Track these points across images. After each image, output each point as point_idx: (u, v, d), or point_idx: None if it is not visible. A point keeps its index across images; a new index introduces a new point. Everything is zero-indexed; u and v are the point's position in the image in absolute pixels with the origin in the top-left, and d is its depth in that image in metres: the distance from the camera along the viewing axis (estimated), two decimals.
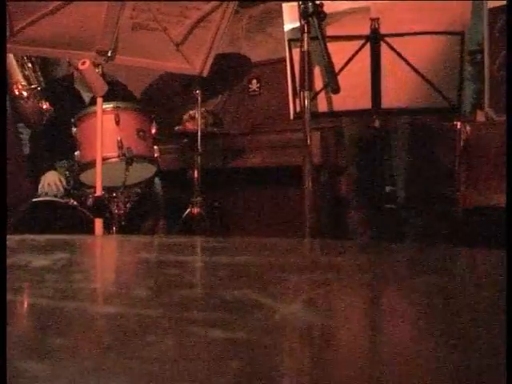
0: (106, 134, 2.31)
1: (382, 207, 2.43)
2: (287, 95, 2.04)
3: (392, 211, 2.43)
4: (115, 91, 2.88)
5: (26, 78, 2.52)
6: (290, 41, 1.99)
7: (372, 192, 2.41)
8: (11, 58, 2.46)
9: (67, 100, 3.05)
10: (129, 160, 2.50)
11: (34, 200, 2.62)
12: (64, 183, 2.86)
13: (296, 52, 1.95)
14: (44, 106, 2.60)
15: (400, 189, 2.38)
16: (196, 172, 3.15)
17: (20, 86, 2.48)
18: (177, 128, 3.43)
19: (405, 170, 2.35)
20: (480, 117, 3.00)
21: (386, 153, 2.39)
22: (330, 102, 1.99)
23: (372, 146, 2.37)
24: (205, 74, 2.22)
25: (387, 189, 2.45)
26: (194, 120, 3.21)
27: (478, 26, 2.82)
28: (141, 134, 2.63)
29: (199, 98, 3.11)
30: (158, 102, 3.30)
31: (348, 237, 2.52)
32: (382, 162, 2.38)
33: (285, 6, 2.00)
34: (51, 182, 2.85)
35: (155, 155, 2.69)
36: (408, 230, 2.38)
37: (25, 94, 2.49)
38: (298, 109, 1.99)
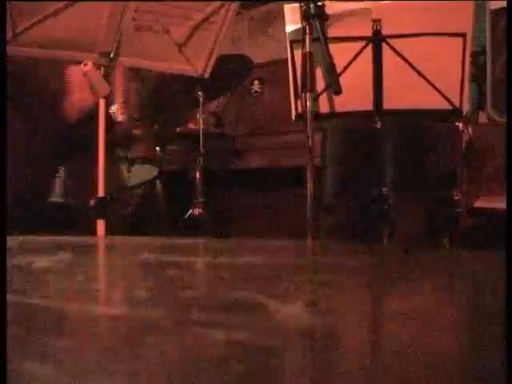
0: None
1: (373, 208, 2.42)
2: (289, 96, 2.04)
3: (384, 212, 2.42)
4: None
5: None
6: (291, 42, 1.99)
7: (364, 193, 2.40)
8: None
9: None
10: (131, 161, 2.51)
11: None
12: None
13: (298, 53, 1.95)
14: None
15: (391, 190, 2.37)
16: (198, 173, 3.15)
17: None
18: (178, 129, 3.44)
19: (396, 170, 2.35)
20: (482, 118, 3.00)
21: (381, 153, 2.38)
22: (331, 103, 1.99)
23: (372, 146, 2.36)
24: (207, 75, 2.22)
25: (383, 190, 2.44)
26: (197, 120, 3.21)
27: (480, 28, 2.82)
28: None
29: (201, 100, 3.11)
30: (161, 103, 3.31)
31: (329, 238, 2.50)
32: (379, 162, 2.37)
33: (286, 7, 2.00)
34: None
35: (157, 156, 2.69)
36: (397, 231, 2.37)
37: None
38: (299, 110, 1.99)
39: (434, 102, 1.94)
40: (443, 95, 1.92)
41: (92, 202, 2.61)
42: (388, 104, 1.96)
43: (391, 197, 2.36)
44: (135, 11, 2.02)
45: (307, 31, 1.86)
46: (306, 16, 1.86)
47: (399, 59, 1.91)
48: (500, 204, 2.21)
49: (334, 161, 2.46)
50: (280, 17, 2.13)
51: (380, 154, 2.36)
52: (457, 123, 2.61)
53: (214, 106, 3.73)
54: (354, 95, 1.95)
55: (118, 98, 2.45)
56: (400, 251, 1.24)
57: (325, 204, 2.45)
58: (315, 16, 1.84)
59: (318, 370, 0.40)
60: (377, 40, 1.92)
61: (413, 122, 2.34)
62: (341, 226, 2.43)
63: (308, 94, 1.88)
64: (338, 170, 2.43)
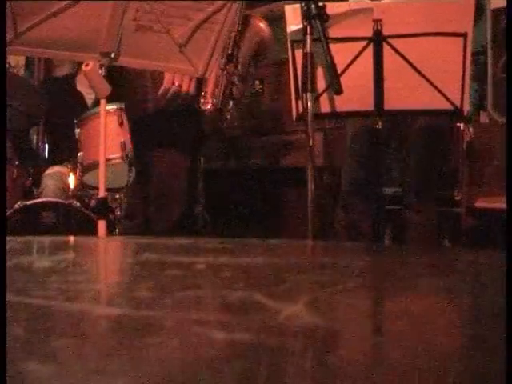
0: (110, 136, 2.31)
1: (383, 208, 2.42)
2: (290, 96, 2.05)
3: (395, 212, 2.43)
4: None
5: None
6: (292, 42, 1.99)
7: (373, 193, 2.41)
8: None
9: (66, 99, 3.06)
10: (132, 161, 2.51)
11: (35, 202, 2.62)
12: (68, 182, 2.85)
13: (299, 53, 1.95)
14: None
15: (409, 190, 2.38)
16: (198, 173, 3.15)
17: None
18: None
19: (418, 171, 2.36)
20: (483, 118, 2.99)
21: (391, 154, 2.39)
22: (332, 103, 1.99)
23: (373, 146, 2.37)
24: (208, 75, 2.22)
25: (389, 190, 2.44)
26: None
27: (481, 27, 2.82)
28: None
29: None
30: None
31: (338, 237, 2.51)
32: (385, 163, 2.38)
33: (287, 7, 2.00)
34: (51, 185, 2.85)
35: None
36: (412, 231, 2.38)
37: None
38: (300, 110, 1.99)
39: (434, 102, 1.94)
40: (444, 95, 1.92)
41: (92, 203, 2.61)
42: (389, 104, 1.95)
43: (405, 197, 2.38)
44: (136, 11, 2.02)
45: (308, 31, 1.86)
46: (306, 16, 1.86)
47: (400, 59, 1.91)
48: (501, 204, 2.21)
49: (351, 161, 2.47)
50: (281, 17, 2.13)
51: (396, 155, 2.37)
52: (458, 123, 2.61)
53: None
54: (355, 95, 1.95)
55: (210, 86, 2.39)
56: (401, 251, 1.24)
57: (342, 202, 2.47)
58: (316, 16, 1.84)
59: (318, 370, 0.40)
60: (378, 40, 1.92)
61: (427, 124, 2.35)
62: (354, 224, 2.44)
63: (309, 94, 1.88)
64: (356, 169, 2.44)
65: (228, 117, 2.44)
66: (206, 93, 2.34)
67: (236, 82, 2.37)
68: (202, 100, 2.32)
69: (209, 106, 2.33)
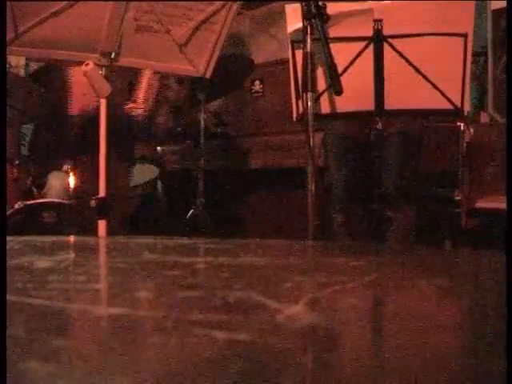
0: None
1: (375, 208, 2.43)
2: (290, 96, 2.04)
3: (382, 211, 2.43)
4: None
5: None
6: (292, 42, 1.99)
7: (366, 193, 2.41)
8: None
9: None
10: (132, 161, 2.51)
11: (36, 202, 2.62)
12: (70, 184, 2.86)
13: (299, 53, 1.94)
14: None
15: (391, 189, 2.39)
16: (199, 173, 3.15)
17: None
18: (179, 129, 3.44)
19: (396, 171, 2.37)
20: (483, 118, 3.00)
21: (383, 154, 2.40)
22: (332, 103, 1.99)
23: (372, 146, 2.36)
24: (208, 75, 2.22)
25: (382, 190, 2.45)
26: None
27: (481, 28, 2.82)
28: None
29: (202, 100, 3.12)
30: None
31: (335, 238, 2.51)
32: (381, 162, 2.38)
33: (288, 7, 2.00)
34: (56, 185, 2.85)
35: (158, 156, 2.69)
36: (394, 230, 2.38)
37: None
38: (300, 110, 1.99)
39: (435, 102, 1.94)
40: (444, 95, 1.92)
41: (93, 203, 2.61)
42: (389, 104, 1.95)
43: (389, 197, 2.38)
44: (136, 11, 2.03)
45: (308, 31, 1.86)
46: (307, 16, 1.86)
47: (400, 59, 1.91)
48: (501, 204, 2.21)
49: (336, 165, 2.48)
50: (281, 17, 2.13)
51: (380, 157, 2.37)
52: (458, 123, 2.61)
53: (215, 105, 3.73)
54: (355, 95, 1.95)
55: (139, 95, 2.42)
56: (400, 251, 1.24)
57: (335, 205, 2.48)
58: (316, 16, 1.84)
59: (318, 370, 0.40)
60: (378, 40, 1.92)
61: (411, 123, 2.35)
62: (350, 225, 2.44)
63: (309, 94, 1.88)
64: (342, 173, 2.45)
65: (162, 121, 2.44)
66: (136, 98, 2.35)
67: (172, 85, 2.37)
68: (132, 105, 2.33)
69: (138, 111, 2.34)
